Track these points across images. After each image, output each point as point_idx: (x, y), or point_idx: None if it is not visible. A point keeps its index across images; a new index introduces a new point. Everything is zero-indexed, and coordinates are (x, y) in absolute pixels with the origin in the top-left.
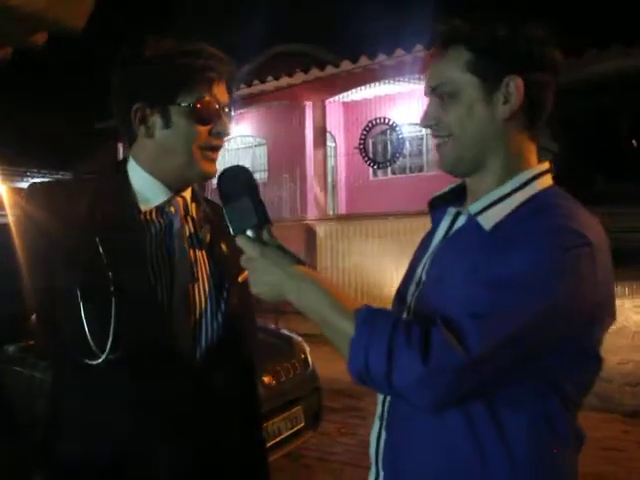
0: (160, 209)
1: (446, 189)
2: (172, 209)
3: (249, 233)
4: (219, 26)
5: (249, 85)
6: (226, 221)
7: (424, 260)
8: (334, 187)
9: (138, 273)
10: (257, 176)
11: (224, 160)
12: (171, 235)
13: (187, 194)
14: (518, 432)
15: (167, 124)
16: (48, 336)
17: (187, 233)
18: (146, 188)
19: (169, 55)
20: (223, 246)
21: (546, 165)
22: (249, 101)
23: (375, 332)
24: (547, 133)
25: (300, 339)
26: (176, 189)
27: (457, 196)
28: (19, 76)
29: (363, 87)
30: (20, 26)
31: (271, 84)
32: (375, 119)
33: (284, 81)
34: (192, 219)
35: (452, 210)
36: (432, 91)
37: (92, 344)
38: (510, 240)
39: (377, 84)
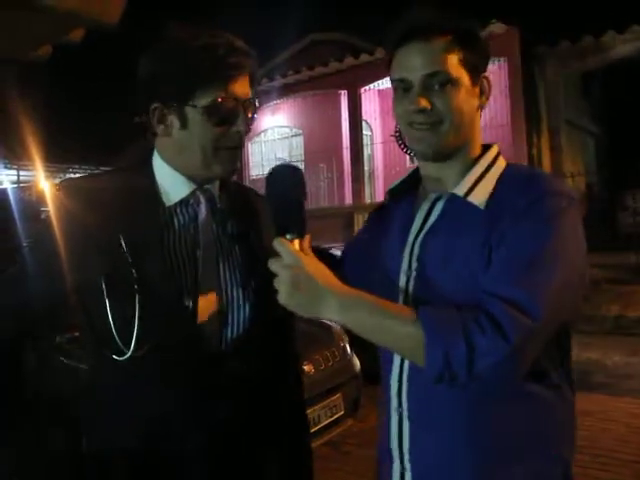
0: (185, 202)
1: (402, 178)
2: (196, 202)
3: (289, 237)
4: (252, 18)
5: (284, 76)
6: (270, 216)
7: (407, 249)
8: (371, 175)
9: (160, 269)
10: None
11: (261, 151)
12: (196, 228)
13: (214, 186)
14: (548, 403)
15: (184, 125)
16: (82, 329)
17: (214, 225)
18: (170, 182)
19: (184, 51)
20: (257, 235)
21: (496, 148)
22: (284, 92)
23: (447, 328)
24: (588, 115)
25: (339, 328)
26: (200, 183)
27: (411, 185)
28: (59, 73)
29: None
30: (57, 24)
31: (306, 74)
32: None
33: (319, 71)
34: (220, 211)
35: (432, 196)
36: (427, 77)
37: (118, 341)
38: (518, 213)
39: None
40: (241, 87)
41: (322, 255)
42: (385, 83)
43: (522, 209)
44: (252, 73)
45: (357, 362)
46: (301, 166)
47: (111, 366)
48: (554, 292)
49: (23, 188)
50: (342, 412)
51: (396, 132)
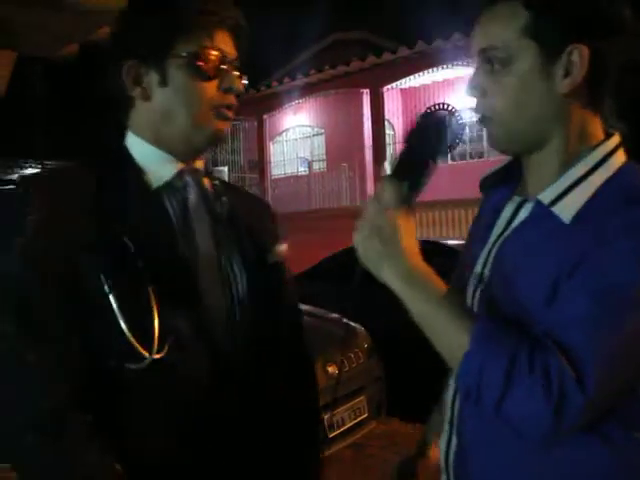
0: (171, 185)
1: (496, 168)
2: (183, 184)
3: (405, 183)
4: (275, 18)
5: (306, 75)
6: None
7: (483, 254)
8: None
9: (169, 258)
10: (316, 166)
11: (282, 151)
12: (189, 214)
13: (199, 165)
14: (611, 435)
15: (164, 81)
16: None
17: (205, 210)
18: (151, 161)
19: (161, 1)
20: (246, 221)
21: (616, 139)
22: (306, 91)
23: (494, 352)
24: (613, 111)
25: (363, 329)
26: (184, 159)
27: (510, 174)
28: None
29: (421, 73)
30: (85, 22)
31: (328, 73)
32: (434, 105)
33: (341, 69)
34: (206, 193)
35: (516, 199)
36: (481, 53)
37: (135, 344)
38: (606, 238)
39: (435, 69)
40: (225, 44)
41: (439, 249)
42: (408, 82)
43: (611, 234)
44: (237, 30)
45: (381, 364)
46: (323, 165)
47: (118, 380)
48: (624, 355)
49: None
50: (366, 414)
51: None
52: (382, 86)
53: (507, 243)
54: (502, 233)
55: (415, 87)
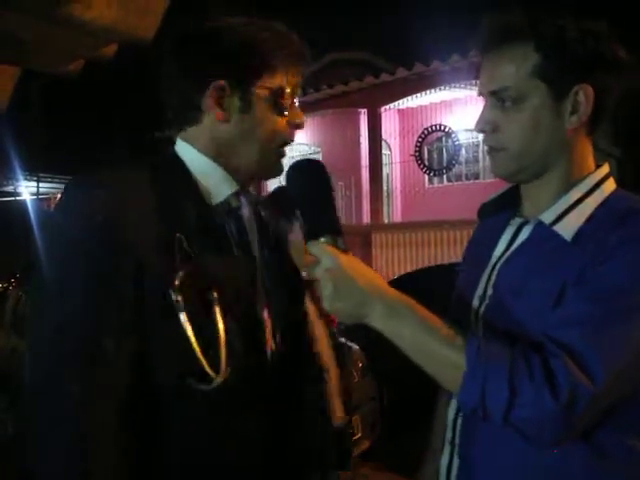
0: (227, 204)
1: (495, 195)
2: (239, 205)
3: (324, 240)
4: None
5: (303, 94)
6: (296, 224)
7: (486, 273)
8: (389, 195)
9: (231, 275)
10: None
11: None
12: (244, 231)
13: (253, 190)
14: (617, 456)
15: (246, 108)
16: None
17: (256, 230)
18: (210, 177)
19: (256, 31)
20: (285, 247)
21: (607, 168)
22: (304, 109)
23: (492, 365)
24: (609, 137)
25: (357, 348)
26: (242, 182)
27: (508, 201)
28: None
29: (418, 94)
30: (92, 39)
31: (325, 92)
32: (431, 126)
33: (339, 89)
34: (262, 218)
35: (517, 221)
36: (492, 94)
37: (204, 362)
38: (605, 251)
39: (433, 91)
40: (297, 82)
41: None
42: (405, 103)
43: (610, 247)
44: (304, 67)
45: (375, 384)
46: None
47: (177, 406)
48: (627, 353)
49: (42, 200)
50: (359, 434)
51: (415, 152)
52: (379, 106)
53: (510, 262)
54: (503, 254)
55: (412, 108)
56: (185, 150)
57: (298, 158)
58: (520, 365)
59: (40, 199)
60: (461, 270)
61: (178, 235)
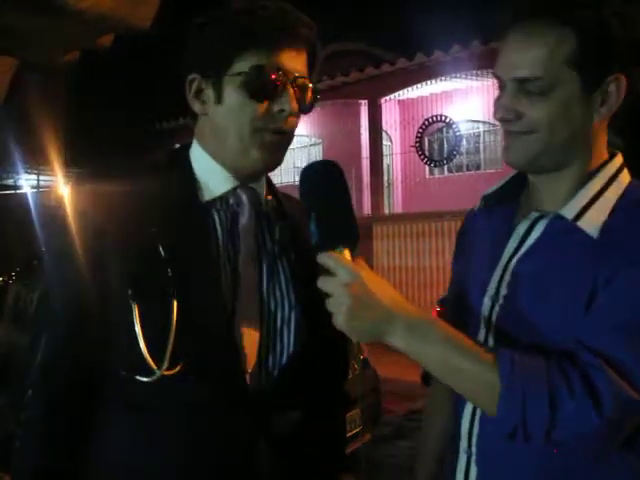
0: (224, 200)
1: (497, 186)
2: (237, 201)
3: (339, 249)
4: None
5: None
6: (311, 230)
7: (498, 271)
8: (390, 186)
9: (201, 272)
10: None
11: None
12: (237, 232)
13: (260, 186)
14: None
15: (219, 98)
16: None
17: (258, 232)
18: (209, 174)
19: (226, 16)
20: (305, 248)
21: (620, 158)
22: None
23: (529, 381)
24: (612, 127)
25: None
26: (241, 178)
27: (510, 193)
28: (84, 79)
29: (419, 85)
30: (88, 29)
31: (326, 83)
32: (431, 117)
33: (339, 80)
34: (266, 215)
35: (533, 215)
36: (517, 81)
37: (146, 355)
38: (633, 245)
39: (433, 81)
40: (291, 60)
41: None
42: (406, 93)
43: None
44: (309, 48)
45: (377, 376)
46: None
47: (125, 394)
48: None
49: (43, 193)
50: (360, 427)
51: (416, 143)
52: (380, 97)
53: (527, 260)
54: (516, 250)
55: (413, 98)
56: (192, 148)
57: (297, 149)
58: (558, 380)
59: (41, 192)
60: (456, 262)
61: (150, 231)
